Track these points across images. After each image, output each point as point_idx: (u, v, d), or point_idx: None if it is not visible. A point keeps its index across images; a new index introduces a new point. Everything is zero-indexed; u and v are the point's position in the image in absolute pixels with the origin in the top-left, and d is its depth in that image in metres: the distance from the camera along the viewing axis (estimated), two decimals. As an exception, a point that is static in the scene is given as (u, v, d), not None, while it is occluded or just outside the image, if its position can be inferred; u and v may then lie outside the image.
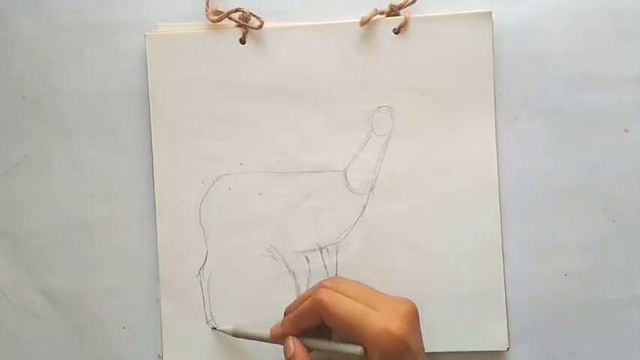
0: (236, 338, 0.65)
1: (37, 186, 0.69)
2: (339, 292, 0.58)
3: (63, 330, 0.69)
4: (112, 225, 0.68)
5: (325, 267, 0.66)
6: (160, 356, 0.67)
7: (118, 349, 0.68)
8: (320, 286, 0.60)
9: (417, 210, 0.65)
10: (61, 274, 0.69)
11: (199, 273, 0.66)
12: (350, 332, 0.57)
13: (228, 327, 0.65)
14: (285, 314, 0.62)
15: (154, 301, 0.67)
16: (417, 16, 0.65)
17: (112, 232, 0.68)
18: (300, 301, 0.61)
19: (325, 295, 0.58)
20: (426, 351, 0.61)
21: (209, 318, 0.67)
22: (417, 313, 0.59)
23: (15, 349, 0.69)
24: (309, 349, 0.60)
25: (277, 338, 0.62)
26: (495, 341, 0.65)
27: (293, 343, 0.60)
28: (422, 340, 0.59)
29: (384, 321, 0.56)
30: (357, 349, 0.57)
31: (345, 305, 0.57)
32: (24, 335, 0.69)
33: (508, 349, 0.65)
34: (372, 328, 0.56)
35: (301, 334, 0.61)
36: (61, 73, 0.68)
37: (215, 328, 0.66)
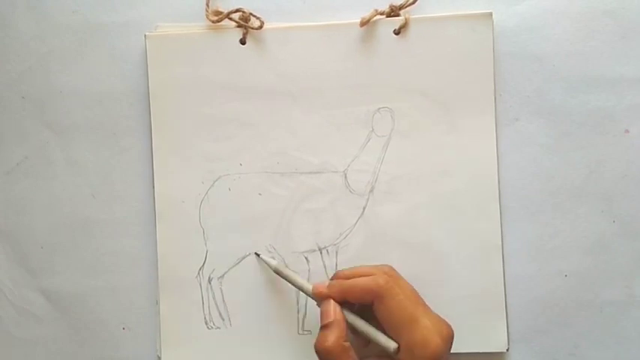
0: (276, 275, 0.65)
1: (37, 186, 0.69)
2: (397, 285, 0.58)
3: (63, 330, 0.69)
4: (112, 225, 0.68)
5: (325, 268, 0.66)
6: (159, 357, 0.67)
7: (117, 349, 0.68)
8: (382, 271, 0.60)
9: (417, 211, 0.65)
10: (61, 275, 0.69)
11: (199, 273, 0.67)
12: (393, 327, 0.57)
13: (273, 261, 0.65)
14: (334, 278, 0.62)
15: (153, 302, 0.67)
16: (417, 16, 0.65)
17: (111, 232, 0.68)
18: (357, 273, 0.60)
19: (385, 283, 0.58)
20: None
21: (208, 319, 0.67)
22: (453, 339, 0.59)
23: (15, 349, 0.69)
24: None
25: (319, 297, 0.60)
26: (495, 342, 0.65)
27: (334, 309, 0.59)
28: None
29: (428, 333, 0.56)
30: (392, 345, 0.57)
31: (401, 300, 0.57)
32: (24, 335, 0.69)
33: (508, 349, 0.65)
34: (416, 333, 0.56)
35: (342, 304, 0.60)
36: (61, 73, 0.68)
37: (259, 255, 0.66)
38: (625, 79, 0.65)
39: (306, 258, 0.66)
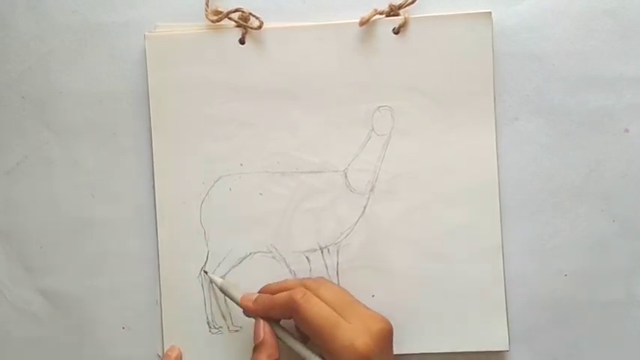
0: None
1: (37, 186, 0.69)
2: (317, 295, 0.59)
3: (63, 330, 0.69)
4: (112, 225, 0.68)
5: (326, 267, 0.66)
6: (159, 356, 0.67)
7: (117, 349, 0.68)
8: (300, 284, 0.61)
9: (417, 209, 0.65)
10: (61, 275, 0.69)
11: (200, 273, 0.67)
12: (317, 339, 0.57)
13: (218, 279, 0.65)
14: (263, 292, 0.63)
15: (153, 302, 0.67)
16: (416, 16, 0.65)
17: (111, 232, 0.68)
18: (281, 288, 0.62)
19: (300, 297, 0.58)
20: (426, 352, 0.62)
21: (210, 319, 0.67)
22: (391, 334, 0.59)
23: (14, 349, 0.69)
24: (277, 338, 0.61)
25: (247, 310, 0.62)
26: (495, 342, 0.65)
27: (263, 328, 0.60)
28: None
29: (352, 334, 0.56)
30: None
31: (317, 311, 0.57)
32: (23, 335, 0.69)
33: (509, 349, 0.65)
34: (339, 339, 0.56)
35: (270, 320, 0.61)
36: (61, 73, 0.68)
37: (207, 273, 0.66)
38: (625, 78, 0.65)
39: (307, 257, 0.66)
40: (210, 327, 0.67)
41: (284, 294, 0.59)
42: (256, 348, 0.60)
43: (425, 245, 0.65)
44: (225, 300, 0.66)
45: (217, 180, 0.66)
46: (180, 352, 0.66)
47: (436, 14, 0.65)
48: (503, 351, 0.65)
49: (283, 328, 0.62)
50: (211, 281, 0.65)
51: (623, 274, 0.65)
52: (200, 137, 0.66)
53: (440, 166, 0.65)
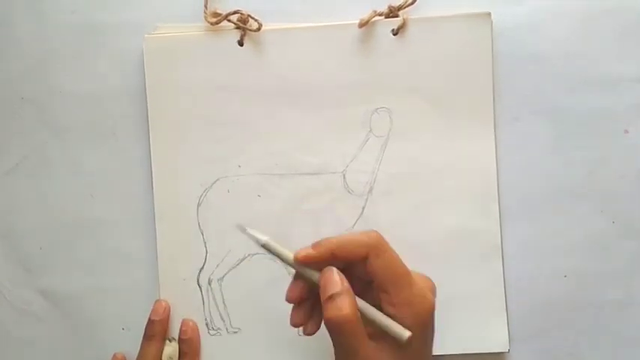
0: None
1: (36, 186, 0.69)
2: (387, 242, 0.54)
3: (62, 330, 0.69)
4: (111, 225, 0.68)
5: (325, 269, 0.66)
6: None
7: (117, 349, 0.68)
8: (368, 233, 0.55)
9: (416, 211, 0.65)
10: (61, 275, 0.69)
11: (199, 275, 0.67)
12: (391, 283, 0.52)
13: (263, 237, 0.55)
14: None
15: (153, 302, 0.67)
16: (415, 17, 0.65)
17: (111, 232, 0.68)
18: (343, 237, 0.55)
19: (379, 238, 0.54)
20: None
21: (209, 320, 0.67)
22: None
23: (14, 349, 0.70)
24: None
25: (304, 261, 0.54)
26: (496, 343, 0.65)
27: (340, 277, 0.53)
28: None
29: (423, 287, 0.53)
30: (406, 334, 0.51)
31: (394, 255, 0.53)
32: (23, 335, 0.69)
33: (509, 350, 0.65)
34: (414, 288, 0.52)
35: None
36: (61, 73, 0.68)
37: (246, 230, 0.57)
38: (624, 79, 0.65)
39: (305, 259, 0.66)
40: (208, 328, 0.67)
41: (359, 233, 0.54)
42: (332, 297, 0.51)
43: (424, 246, 0.65)
44: (224, 301, 0.66)
45: (215, 181, 0.66)
46: (169, 306, 0.66)
47: (435, 15, 0.65)
48: (503, 352, 0.65)
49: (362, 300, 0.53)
50: (253, 239, 0.56)
51: (623, 274, 0.65)
52: (198, 138, 0.66)
53: (439, 167, 0.65)
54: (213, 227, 0.66)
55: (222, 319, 0.67)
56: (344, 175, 0.66)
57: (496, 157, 0.65)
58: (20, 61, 0.69)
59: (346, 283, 0.52)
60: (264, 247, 0.56)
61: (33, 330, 0.69)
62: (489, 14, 0.64)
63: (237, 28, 0.66)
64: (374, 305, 0.53)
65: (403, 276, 0.53)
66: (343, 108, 0.65)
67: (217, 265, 0.66)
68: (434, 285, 0.56)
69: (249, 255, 0.66)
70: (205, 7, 0.66)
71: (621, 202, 0.65)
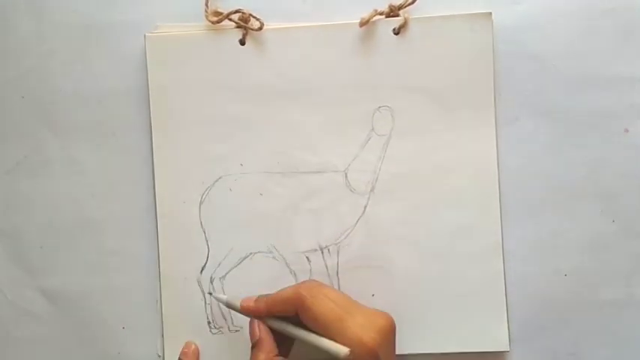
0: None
1: (36, 186, 0.69)
2: (321, 294, 0.58)
3: (62, 330, 0.69)
4: (112, 225, 0.68)
5: (326, 267, 0.66)
6: (159, 356, 0.67)
7: (117, 349, 0.68)
8: (302, 283, 0.61)
9: (417, 209, 0.65)
10: (61, 274, 0.69)
11: (201, 274, 0.67)
12: (324, 330, 0.57)
13: (224, 296, 0.64)
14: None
15: (153, 301, 0.67)
16: (416, 16, 0.65)
17: (111, 232, 0.68)
18: (278, 294, 0.61)
19: (308, 291, 0.58)
20: (428, 352, 0.62)
21: (210, 319, 0.67)
22: (394, 329, 0.59)
23: (15, 349, 0.69)
24: (290, 337, 0.60)
25: (246, 312, 0.61)
26: (496, 342, 0.65)
27: (258, 327, 0.60)
28: (394, 357, 0.60)
29: (359, 329, 0.56)
30: (343, 351, 0.55)
31: (325, 305, 0.57)
32: (24, 335, 0.69)
33: (509, 349, 0.65)
34: (347, 334, 0.56)
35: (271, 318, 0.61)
36: (61, 73, 0.68)
37: (211, 294, 0.66)
38: (625, 78, 0.65)
39: (307, 258, 0.66)
40: (210, 327, 0.67)
41: (289, 288, 0.60)
42: (254, 347, 0.60)
43: (425, 245, 0.65)
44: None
45: (217, 180, 0.66)
46: (197, 348, 0.67)
47: (436, 15, 0.65)
48: (504, 351, 0.65)
49: (296, 326, 0.60)
50: (218, 300, 0.65)
51: (623, 274, 0.65)
52: (200, 137, 0.66)
53: (440, 166, 0.65)
54: (215, 226, 0.66)
55: (223, 317, 0.67)
56: (346, 174, 0.66)
57: (497, 155, 0.65)
58: (20, 61, 0.69)
59: (263, 333, 0.60)
60: (227, 305, 0.63)
61: (33, 329, 0.69)
62: (490, 14, 0.64)
63: (239, 27, 0.66)
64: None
65: (333, 325, 0.56)
66: (345, 107, 0.65)
67: (219, 264, 0.66)
68: (385, 321, 0.58)
69: (251, 254, 0.66)
70: (206, 6, 0.66)
71: (621, 202, 0.65)
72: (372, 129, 0.65)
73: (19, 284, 0.69)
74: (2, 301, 0.69)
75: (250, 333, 0.60)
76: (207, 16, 0.66)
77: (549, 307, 0.66)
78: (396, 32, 0.65)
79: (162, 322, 0.67)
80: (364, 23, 0.64)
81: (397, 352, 0.61)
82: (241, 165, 0.66)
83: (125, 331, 0.68)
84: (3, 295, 0.69)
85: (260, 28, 0.65)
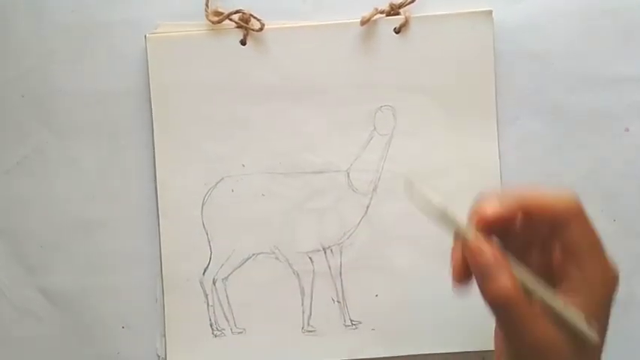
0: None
1: (36, 186, 0.69)
2: None
3: (62, 329, 0.69)
4: (112, 225, 0.68)
5: (329, 267, 0.66)
6: (159, 356, 0.67)
7: (117, 348, 0.68)
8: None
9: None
10: (61, 274, 0.68)
11: (203, 275, 0.67)
12: (588, 255, 0.47)
13: (441, 204, 0.51)
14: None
15: (153, 301, 0.67)
16: (417, 15, 0.65)
17: (111, 232, 0.68)
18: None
19: (579, 202, 0.47)
20: (429, 352, 0.62)
21: (213, 320, 0.66)
22: None
23: (14, 349, 0.69)
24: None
25: (486, 222, 0.48)
26: (497, 341, 0.65)
27: (492, 250, 0.46)
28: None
29: (612, 261, 0.48)
30: (592, 335, 0.46)
31: (592, 224, 0.47)
32: (23, 335, 0.69)
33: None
34: (608, 261, 0.48)
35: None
36: (61, 73, 0.68)
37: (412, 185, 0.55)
38: (625, 77, 0.65)
39: (310, 258, 0.66)
40: (213, 329, 0.66)
41: (555, 195, 0.47)
42: (490, 270, 0.45)
43: (427, 245, 0.65)
44: (228, 301, 0.66)
45: (219, 181, 0.66)
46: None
47: (437, 13, 0.65)
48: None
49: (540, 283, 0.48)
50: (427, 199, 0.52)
51: (623, 274, 0.65)
52: (202, 138, 0.66)
53: (442, 164, 0.65)
54: (218, 227, 0.66)
55: (226, 319, 0.66)
56: (348, 174, 0.66)
57: (498, 154, 0.65)
58: (20, 61, 0.69)
59: (500, 253, 0.46)
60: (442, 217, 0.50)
61: (33, 329, 0.69)
62: (491, 12, 0.65)
63: (239, 27, 0.66)
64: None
65: (599, 245, 0.47)
66: (347, 106, 0.66)
67: (222, 265, 0.66)
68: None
69: (253, 254, 0.66)
70: (206, 6, 0.66)
71: (622, 201, 0.66)
72: (374, 128, 0.65)
73: (18, 284, 0.69)
74: (2, 300, 0.69)
75: (474, 253, 0.47)
76: (207, 16, 0.66)
77: (550, 307, 0.66)
78: (397, 31, 0.65)
79: (164, 323, 0.67)
80: (365, 22, 0.64)
81: (398, 352, 0.61)
82: (243, 166, 0.66)
83: (125, 331, 0.68)
84: (2, 295, 0.69)
85: (261, 29, 0.65)
